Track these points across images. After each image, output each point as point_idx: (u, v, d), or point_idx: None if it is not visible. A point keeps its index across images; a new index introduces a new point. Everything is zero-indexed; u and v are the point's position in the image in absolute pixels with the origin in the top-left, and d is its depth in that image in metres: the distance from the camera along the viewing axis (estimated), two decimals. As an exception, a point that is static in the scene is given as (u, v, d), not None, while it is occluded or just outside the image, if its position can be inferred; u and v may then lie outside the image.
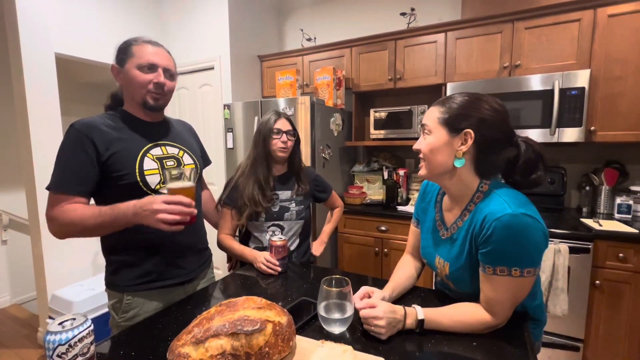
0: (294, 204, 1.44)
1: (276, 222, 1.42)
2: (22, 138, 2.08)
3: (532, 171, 0.84)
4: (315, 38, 3.04)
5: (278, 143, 1.36)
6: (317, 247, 1.59)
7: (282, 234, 1.42)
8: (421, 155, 0.88)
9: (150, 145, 1.05)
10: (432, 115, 0.86)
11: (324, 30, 3.04)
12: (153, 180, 1.02)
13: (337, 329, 0.80)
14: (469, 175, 0.85)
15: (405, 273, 1.06)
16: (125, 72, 1.00)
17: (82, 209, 0.93)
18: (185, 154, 1.15)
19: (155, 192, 1.02)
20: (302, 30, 3.09)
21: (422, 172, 0.90)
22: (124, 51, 1.01)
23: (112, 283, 1.05)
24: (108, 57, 2.54)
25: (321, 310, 0.80)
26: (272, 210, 1.41)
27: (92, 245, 2.75)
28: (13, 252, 2.99)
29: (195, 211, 0.89)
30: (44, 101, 2.09)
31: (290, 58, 2.86)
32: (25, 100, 2.01)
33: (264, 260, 1.23)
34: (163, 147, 1.08)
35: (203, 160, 1.28)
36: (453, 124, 0.82)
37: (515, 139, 0.84)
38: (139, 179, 0.99)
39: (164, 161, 1.06)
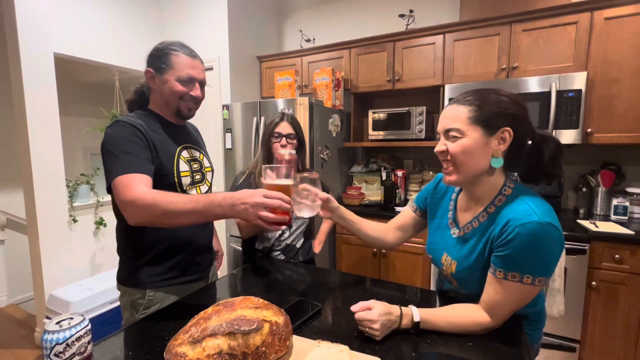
0: None
1: None
2: (20, 138, 2.07)
3: (557, 163, 0.83)
4: (314, 39, 3.05)
5: (277, 146, 1.42)
6: (317, 245, 1.65)
7: (290, 231, 1.48)
8: (448, 158, 0.83)
9: (180, 147, 1.09)
10: (461, 116, 0.79)
11: (323, 32, 3.05)
12: (185, 181, 1.06)
13: (306, 213, 0.93)
14: (497, 173, 0.84)
15: (372, 227, 1.13)
16: (163, 80, 1.02)
17: (168, 193, 0.88)
18: (204, 157, 1.18)
19: (186, 193, 1.05)
20: (301, 31, 3.10)
21: (454, 177, 0.83)
22: (163, 59, 1.01)
23: (134, 280, 1.04)
24: (107, 57, 2.57)
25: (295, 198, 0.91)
26: None
27: (90, 246, 2.76)
28: (10, 252, 2.98)
29: (292, 210, 0.85)
30: (42, 101, 2.08)
31: (289, 59, 2.87)
32: (24, 100, 2.01)
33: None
34: (189, 150, 1.12)
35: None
36: (489, 123, 0.78)
37: (537, 133, 0.83)
38: (176, 180, 1.03)
39: (191, 163, 1.10)
